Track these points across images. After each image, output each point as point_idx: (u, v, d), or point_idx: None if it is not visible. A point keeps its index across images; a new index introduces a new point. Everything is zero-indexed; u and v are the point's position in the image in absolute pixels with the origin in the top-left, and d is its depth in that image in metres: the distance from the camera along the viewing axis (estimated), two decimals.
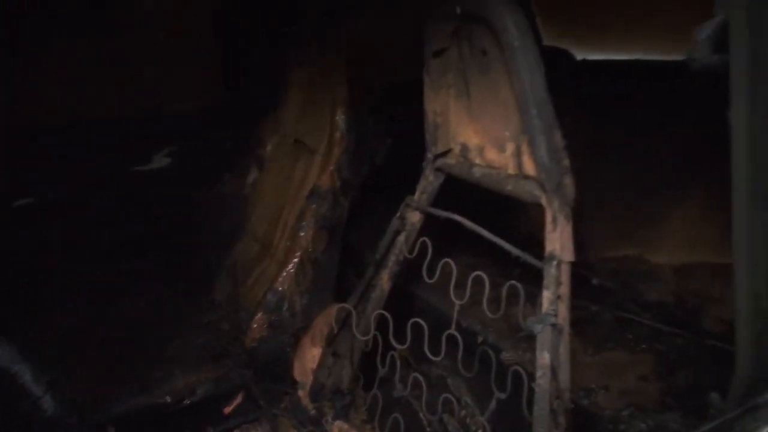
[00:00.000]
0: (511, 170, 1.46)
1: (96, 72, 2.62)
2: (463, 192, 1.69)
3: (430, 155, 1.70)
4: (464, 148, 1.62)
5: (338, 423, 1.87)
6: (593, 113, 2.52)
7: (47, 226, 2.43)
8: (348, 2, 2.34)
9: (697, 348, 1.96)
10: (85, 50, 2.61)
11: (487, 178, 1.52)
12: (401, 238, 1.82)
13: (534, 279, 1.41)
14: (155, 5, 2.72)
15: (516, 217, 2.36)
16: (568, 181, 1.30)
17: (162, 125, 2.95)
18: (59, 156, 2.46)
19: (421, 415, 1.82)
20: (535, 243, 1.49)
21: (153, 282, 2.65)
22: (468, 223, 1.53)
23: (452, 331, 1.55)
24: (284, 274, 2.24)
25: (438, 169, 1.72)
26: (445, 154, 1.68)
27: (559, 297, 1.25)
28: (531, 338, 1.95)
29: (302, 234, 2.30)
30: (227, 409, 2.05)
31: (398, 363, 1.74)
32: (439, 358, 1.57)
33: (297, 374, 2.04)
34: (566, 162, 1.30)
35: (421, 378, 1.67)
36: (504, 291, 1.41)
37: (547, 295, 1.27)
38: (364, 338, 1.82)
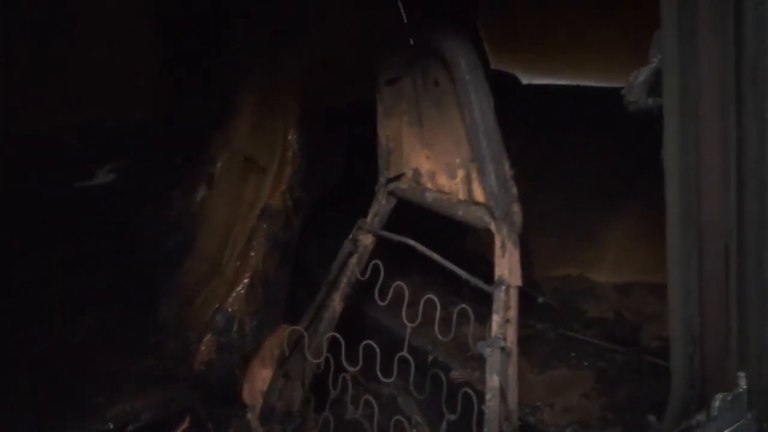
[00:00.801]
0: (462, 196, 1.50)
1: (34, 84, 2.54)
2: (416, 211, 1.72)
3: (382, 179, 1.73)
4: (416, 173, 1.65)
5: None
6: (538, 136, 2.61)
7: None
8: (298, 22, 2.36)
9: (636, 364, 2.03)
10: (23, 61, 2.53)
11: (438, 203, 1.56)
12: (353, 260, 1.83)
13: (484, 297, 1.45)
14: (98, 19, 2.67)
15: (465, 236, 2.42)
16: (516, 209, 1.35)
17: (106, 140, 2.88)
18: None
19: None
20: (482, 261, 1.53)
21: (94, 303, 2.57)
22: (420, 247, 1.56)
23: (404, 353, 1.57)
24: (234, 294, 2.21)
25: (390, 193, 1.75)
26: (397, 178, 1.72)
27: (507, 321, 1.30)
28: (480, 357, 2.00)
29: (253, 254, 2.28)
30: None
31: (350, 385, 1.74)
32: (390, 380, 1.59)
33: (246, 397, 2.01)
34: (514, 190, 1.35)
35: (372, 399, 1.69)
36: (455, 313, 1.45)
37: (496, 319, 1.31)
38: (316, 360, 1.82)
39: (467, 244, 2.35)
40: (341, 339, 1.72)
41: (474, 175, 1.43)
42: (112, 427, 1.98)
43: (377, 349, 1.64)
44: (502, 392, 1.26)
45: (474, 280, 1.39)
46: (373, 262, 1.72)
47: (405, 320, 1.58)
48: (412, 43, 1.41)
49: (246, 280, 2.23)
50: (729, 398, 0.87)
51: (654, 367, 1.97)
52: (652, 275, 2.46)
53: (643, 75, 0.90)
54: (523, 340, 2.13)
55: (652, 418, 0.96)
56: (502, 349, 1.28)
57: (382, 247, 1.86)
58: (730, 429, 0.85)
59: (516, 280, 1.34)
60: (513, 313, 1.32)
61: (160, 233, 2.82)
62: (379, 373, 1.60)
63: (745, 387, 0.88)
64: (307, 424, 1.95)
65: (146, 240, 2.83)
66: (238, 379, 2.07)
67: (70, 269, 2.62)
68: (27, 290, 2.41)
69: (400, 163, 1.69)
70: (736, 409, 0.87)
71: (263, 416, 1.94)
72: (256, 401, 1.98)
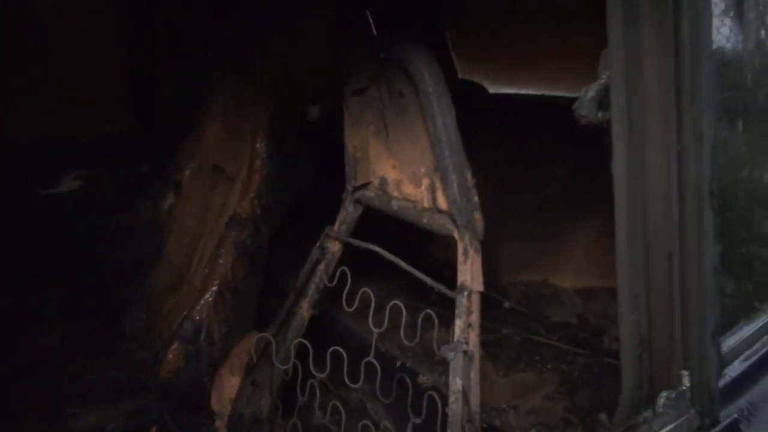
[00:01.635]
0: (426, 204, 1.54)
1: None
2: (384, 218, 1.75)
3: (349, 187, 1.77)
4: (383, 182, 1.69)
5: None
6: (505, 145, 2.68)
7: None
8: (263, 32, 2.38)
9: (598, 366, 2.09)
10: None
11: (404, 210, 1.60)
12: (321, 267, 1.86)
13: (450, 302, 1.49)
14: (64, 29, 2.65)
15: (431, 242, 2.46)
16: (478, 217, 1.40)
17: (72, 147, 2.85)
18: None
19: None
20: (447, 266, 1.57)
21: (60, 312, 2.54)
22: (386, 254, 1.60)
23: (371, 359, 1.60)
24: (202, 302, 2.21)
25: (357, 201, 1.78)
26: (364, 186, 1.75)
27: (470, 325, 1.34)
28: (447, 361, 2.03)
29: (221, 261, 2.28)
30: None
31: (317, 391, 1.76)
32: (357, 385, 1.62)
33: (215, 405, 2.01)
34: (476, 199, 1.40)
35: (339, 405, 1.71)
36: (420, 319, 1.48)
37: (459, 323, 1.35)
38: (284, 367, 1.83)
39: (436, 250, 2.39)
40: (309, 345, 1.74)
41: (438, 184, 1.47)
42: None
43: (344, 355, 1.66)
44: (465, 395, 1.30)
45: (437, 286, 1.43)
46: (340, 268, 1.74)
47: (371, 326, 1.60)
48: (379, 55, 1.45)
49: (214, 288, 2.23)
50: (673, 396, 0.92)
51: (615, 369, 2.03)
52: (614, 280, 2.52)
53: (592, 91, 0.96)
54: (489, 344, 2.18)
55: (603, 416, 1.01)
56: (465, 352, 1.32)
57: (349, 253, 1.89)
58: (673, 424, 0.91)
59: (478, 286, 1.39)
60: (475, 318, 1.36)
61: (127, 242, 2.79)
62: (346, 379, 1.63)
63: (688, 385, 0.94)
64: (275, 430, 1.96)
65: (113, 249, 2.80)
66: (206, 387, 2.07)
67: (35, 279, 2.58)
68: None
69: (367, 171, 1.73)
70: (679, 406, 0.92)
71: (231, 424, 1.94)
72: (225, 409, 1.98)
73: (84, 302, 2.56)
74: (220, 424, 1.97)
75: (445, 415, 1.37)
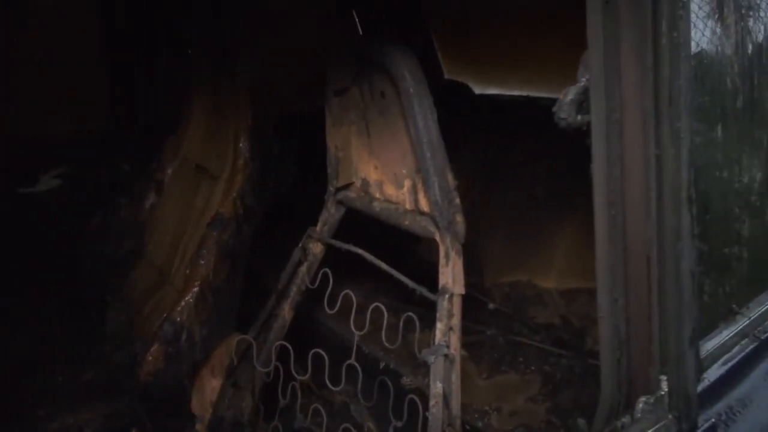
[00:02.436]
0: (408, 206, 1.53)
1: None
2: (366, 219, 1.74)
3: (331, 188, 1.75)
4: (365, 183, 1.68)
5: None
6: (489, 145, 2.67)
7: None
8: (245, 32, 2.36)
9: (580, 367, 2.09)
10: None
11: (386, 212, 1.59)
12: (303, 268, 1.84)
13: (432, 302, 1.47)
14: (44, 25, 2.61)
15: (416, 242, 2.45)
16: (459, 219, 1.39)
17: (51, 145, 2.80)
18: None
19: None
20: (432, 266, 1.56)
21: (37, 312, 2.50)
22: (367, 256, 1.58)
23: (352, 361, 1.58)
24: (183, 303, 2.18)
25: (339, 202, 1.76)
26: (346, 187, 1.74)
27: (451, 328, 1.33)
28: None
29: (203, 262, 2.25)
30: None
31: (299, 393, 1.74)
32: (339, 388, 1.60)
33: (195, 408, 1.98)
34: (457, 201, 1.39)
35: (321, 408, 1.69)
36: (401, 321, 1.47)
37: (440, 327, 1.34)
38: (266, 369, 1.81)
39: (421, 249, 2.39)
40: (290, 347, 1.72)
41: (420, 186, 1.46)
42: None
43: (326, 357, 1.64)
44: (446, 399, 1.29)
45: (419, 289, 1.42)
46: (322, 270, 1.73)
47: (353, 328, 1.59)
48: (361, 56, 1.44)
49: (195, 289, 2.20)
50: (651, 400, 0.92)
51: (597, 371, 2.04)
52: (595, 282, 2.54)
53: (572, 93, 0.95)
54: (472, 346, 2.17)
55: (581, 422, 1.01)
56: (446, 356, 1.31)
57: (332, 255, 1.87)
58: (652, 430, 0.90)
59: (459, 289, 1.38)
60: (456, 321, 1.35)
61: (107, 242, 2.75)
62: (327, 381, 1.61)
63: (666, 390, 0.93)
64: None
65: (93, 248, 2.76)
66: (186, 390, 2.04)
67: (11, 278, 2.53)
68: None
69: (349, 172, 1.71)
70: (658, 411, 0.92)
71: (212, 427, 1.92)
72: (205, 412, 1.95)
73: (61, 302, 2.52)
74: (200, 427, 1.94)
75: (426, 419, 1.36)
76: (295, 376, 1.73)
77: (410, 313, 1.45)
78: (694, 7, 0.95)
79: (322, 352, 1.66)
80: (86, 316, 2.51)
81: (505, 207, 2.64)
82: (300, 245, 1.83)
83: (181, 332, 2.14)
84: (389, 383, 1.62)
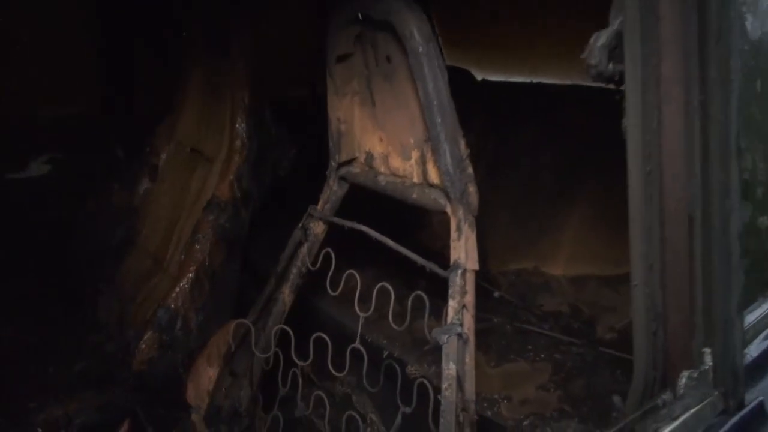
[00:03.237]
0: (416, 179, 1.44)
1: None
2: (365, 207, 1.65)
3: (333, 163, 1.65)
4: (369, 157, 1.58)
5: None
6: (492, 132, 2.59)
7: None
8: (242, 12, 2.27)
9: (591, 356, 2.03)
10: None
11: (392, 186, 1.49)
12: (304, 249, 1.74)
13: (438, 291, 1.39)
14: (33, 4, 2.51)
15: (419, 231, 2.36)
16: (472, 190, 1.29)
17: (41, 129, 2.71)
18: None
19: None
20: (434, 255, 1.47)
21: (27, 301, 2.41)
22: (373, 233, 1.49)
23: (357, 345, 1.49)
24: (178, 289, 2.09)
25: (342, 178, 1.67)
26: (349, 162, 1.64)
27: (464, 306, 1.24)
28: (436, 351, 1.94)
29: (198, 246, 2.16)
30: None
31: (300, 381, 1.65)
32: (342, 374, 1.51)
33: (191, 397, 1.89)
34: (470, 170, 1.30)
35: (324, 396, 1.60)
36: (409, 303, 1.38)
37: (452, 304, 1.24)
38: (265, 356, 1.72)
39: (422, 239, 2.30)
40: (291, 332, 1.63)
41: (428, 156, 1.36)
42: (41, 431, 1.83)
43: (329, 342, 1.55)
44: (459, 381, 1.20)
45: (429, 265, 1.33)
46: (324, 250, 1.64)
47: (357, 310, 1.50)
48: (364, 15, 1.34)
49: (191, 275, 2.12)
50: (695, 375, 0.83)
51: (608, 359, 1.97)
52: (607, 268, 2.49)
53: (603, 37, 0.86)
54: (479, 334, 2.08)
55: (617, 398, 0.91)
56: (459, 335, 1.22)
57: (332, 237, 1.78)
58: (696, 408, 0.81)
59: (473, 264, 1.28)
60: (470, 299, 1.26)
61: (99, 228, 2.66)
62: (330, 367, 1.52)
63: (710, 364, 0.84)
64: (255, 424, 1.85)
65: (85, 235, 2.67)
66: (181, 379, 1.95)
67: (1, 265, 2.44)
68: None
69: (352, 146, 1.62)
70: (702, 387, 0.83)
71: (209, 417, 1.83)
72: (202, 401, 1.86)
73: (52, 291, 2.43)
74: (196, 417, 1.85)
75: (437, 404, 1.27)
76: (296, 362, 1.63)
77: (420, 292, 1.36)
78: None
79: (325, 337, 1.57)
80: (78, 305, 2.42)
81: (509, 194, 2.57)
82: (300, 225, 1.73)
83: (176, 319, 2.05)
84: (397, 367, 1.54)
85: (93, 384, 2.05)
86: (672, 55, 0.83)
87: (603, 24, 0.90)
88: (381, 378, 1.50)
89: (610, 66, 0.88)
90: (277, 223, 2.27)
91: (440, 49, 1.26)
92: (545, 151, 2.52)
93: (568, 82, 2.43)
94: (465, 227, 1.28)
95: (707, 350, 0.85)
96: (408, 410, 1.35)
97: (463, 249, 1.26)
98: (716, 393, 0.83)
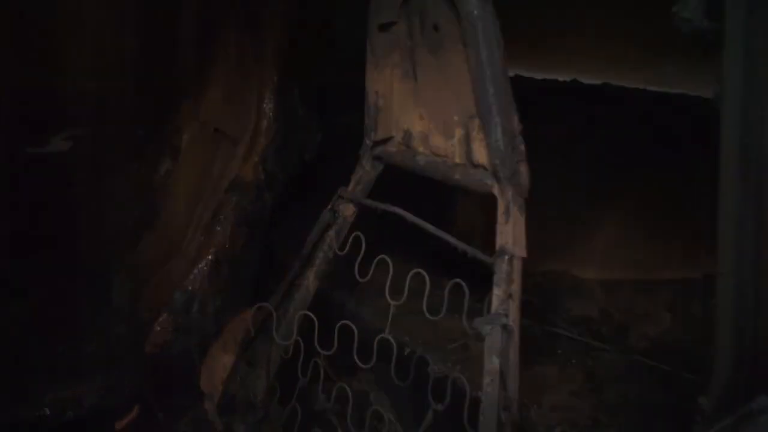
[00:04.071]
0: (459, 159, 1.34)
1: None
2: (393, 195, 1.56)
3: (368, 141, 1.56)
4: (407, 135, 1.48)
5: None
6: (526, 130, 2.50)
7: None
8: None
9: (624, 363, 1.95)
10: None
11: (432, 166, 1.39)
12: (331, 233, 1.65)
13: (479, 279, 1.29)
14: None
15: (450, 221, 2.28)
16: (524, 169, 1.19)
17: (63, 104, 2.65)
18: None
19: None
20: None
21: (38, 280, 2.35)
22: (409, 217, 1.39)
23: (386, 335, 1.40)
24: (195, 271, 2.02)
25: (377, 158, 1.57)
26: (385, 141, 1.55)
27: (510, 296, 1.13)
28: (461, 350, 1.84)
29: (219, 229, 2.09)
30: (119, 424, 1.80)
31: (321, 371, 1.56)
32: (370, 365, 1.41)
33: (204, 385, 1.81)
34: (522, 148, 1.20)
35: (347, 388, 1.51)
36: (447, 288, 1.27)
37: (497, 293, 1.14)
38: (285, 343, 1.63)
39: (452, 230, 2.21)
40: (315, 318, 1.54)
41: (474, 134, 1.26)
42: (48, 413, 1.76)
43: (355, 331, 1.46)
44: (503, 377, 1.09)
45: (471, 250, 1.22)
46: (354, 234, 1.54)
47: (388, 298, 1.40)
48: None
49: (210, 257, 2.04)
50: None
51: (644, 367, 1.87)
52: (642, 273, 2.39)
53: None
54: None
55: (703, 400, 0.80)
56: (504, 327, 1.11)
57: (361, 223, 1.69)
58: None
59: (521, 251, 1.18)
60: (516, 288, 1.15)
61: (117, 208, 2.61)
62: (356, 358, 1.43)
63: None
64: (270, 416, 1.76)
65: (103, 214, 2.61)
66: (195, 365, 1.87)
67: (15, 243, 2.38)
68: None
69: (389, 124, 1.52)
70: None
71: (222, 407, 1.75)
72: (215, 390, 1.78)
73: (65, 270, 2.36)
74: (209, 406, 1.77)
75: (472, 403, 1.16)
76: (319, 351, 1.54)
77: (458, 280, 1.26)
78: None
79: (351, 325, 1.48)
80: (91, 285, 2.36)
81: (538, 194, 2.48)
82: (329, 206, 1.64)
83: (193, 302, 1.98)
84: (428, 360, 1.45)
85: (103, 366, 1.98)
86: None
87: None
88: (411, 373, 1.40)
89: (706, 22, 0.77)
90: (300, 211, 2.19)
91: (496, 16, 1.16)
92: (578, 150, 2.45)
93: (604, 80, 2.35)
94: (514, 210, 1.17)
95: None
96: (440, 407, 1.25)
97: (511, 234, 1.16)
98: None
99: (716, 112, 0.80)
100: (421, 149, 1.45)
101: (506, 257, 1.16)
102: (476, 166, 1.29)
